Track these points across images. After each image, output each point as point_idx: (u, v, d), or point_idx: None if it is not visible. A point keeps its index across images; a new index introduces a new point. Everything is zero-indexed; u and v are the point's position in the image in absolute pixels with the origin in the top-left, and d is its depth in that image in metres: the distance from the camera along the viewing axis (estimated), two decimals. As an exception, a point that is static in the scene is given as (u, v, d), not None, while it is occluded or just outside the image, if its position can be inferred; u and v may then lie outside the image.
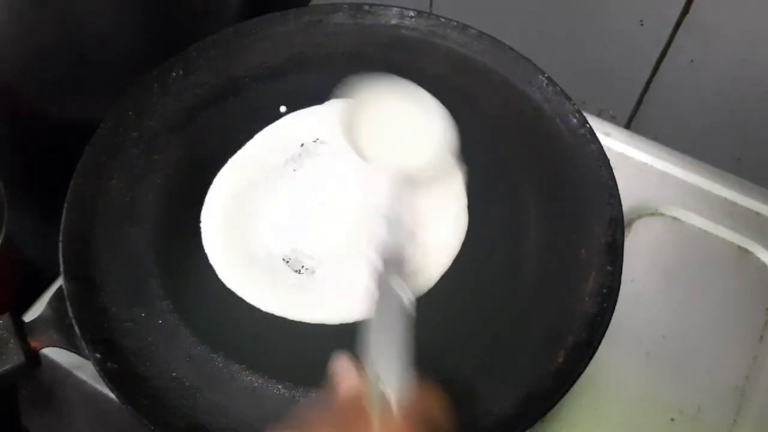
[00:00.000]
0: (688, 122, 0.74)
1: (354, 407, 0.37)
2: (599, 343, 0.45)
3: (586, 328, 0.46)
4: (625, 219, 0.51)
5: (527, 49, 0.57)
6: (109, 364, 0.44)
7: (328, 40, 0.59)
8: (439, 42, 0.59)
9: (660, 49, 0.70)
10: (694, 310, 0.56)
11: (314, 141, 0.54)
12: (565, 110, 0.54)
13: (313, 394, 0.43)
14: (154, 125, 0.54)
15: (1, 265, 0.54)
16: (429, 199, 0.50)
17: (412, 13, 0.59)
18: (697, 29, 0.66)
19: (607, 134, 0.63)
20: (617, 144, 0.63)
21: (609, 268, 0.48)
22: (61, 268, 0.47)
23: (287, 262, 0.49)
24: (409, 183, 0.49)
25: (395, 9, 0.59)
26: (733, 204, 0.61)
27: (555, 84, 0.55)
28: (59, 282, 0.47)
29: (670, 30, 0.68)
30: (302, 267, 0.49)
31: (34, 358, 0.46)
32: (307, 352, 0.45)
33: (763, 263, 0.58)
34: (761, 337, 0.55)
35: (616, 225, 0.49)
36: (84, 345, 0.44)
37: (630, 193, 0.55)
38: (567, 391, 0.44)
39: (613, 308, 0.46)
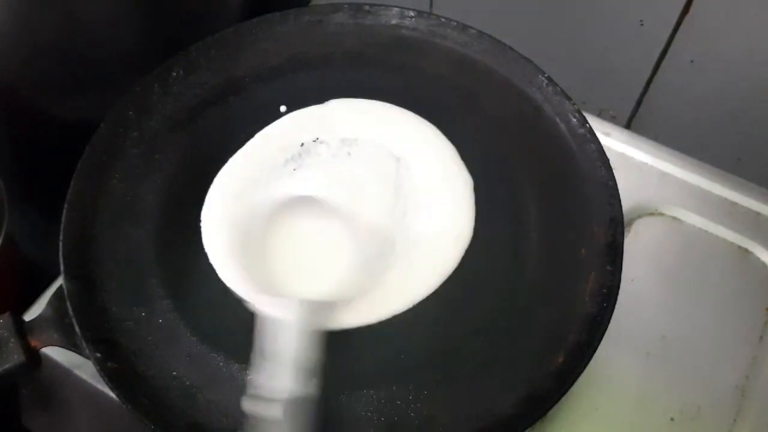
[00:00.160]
0: (688, 122, 0.74)
1: None
2: (599, 343, 0.45)
3: (586, 328, 0.46)
4: (625, 219, 0.51)
5: (527, 49, 0.57)
6: (109, 363, 0.44)
7: (328, 40, 0.59)
8: (439, 42, 0.58)
9: (660, 49, 0.70)
10: (694, 310, 0.56)
11: (314, 141, 0.54)
12: (565, 110, 0.54)
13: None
14: (155, 125, 0.54)
15: (1, 265, 0.54)
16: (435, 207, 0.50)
17: (412, 13, 0.59)
18: (697, 29, 0.66)
19: (607, 134, 0.63)
20: (617, 144, 0.63)
21: (609, 268, 0.48)
22: (62, 268, 0.46)
23: (287, 261, 0.49)
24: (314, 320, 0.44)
25: (395, 9, 0.59)
26: (733, 204, 0.61)
27: (555, 84, 0.55)
28: (59, 281, 0.47)
29: (670, 30, 0.68)
30: (302, 267, 0.49)
31: (34, 358, 0.46)
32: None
33: (763, 263, 0.58)
34: (761, 337, 0.55)
35: (616, 225, 0.49)
36: (84, 344, 0.44)
37: (630, 193, 0.55)
38: (567, 391, 0.44)
39: (613, 308, 0.46)
